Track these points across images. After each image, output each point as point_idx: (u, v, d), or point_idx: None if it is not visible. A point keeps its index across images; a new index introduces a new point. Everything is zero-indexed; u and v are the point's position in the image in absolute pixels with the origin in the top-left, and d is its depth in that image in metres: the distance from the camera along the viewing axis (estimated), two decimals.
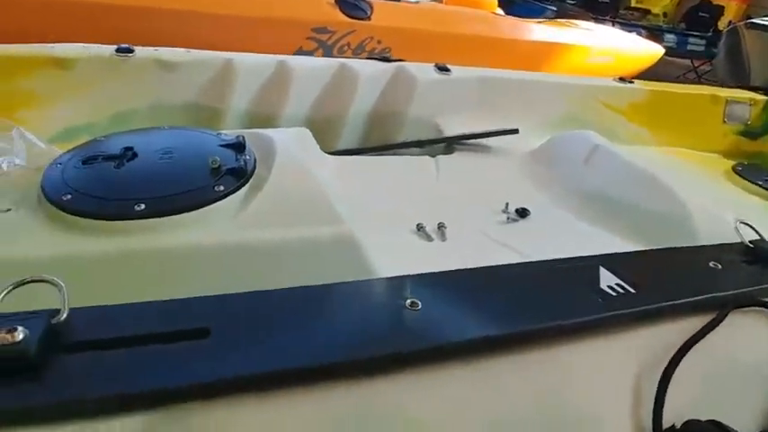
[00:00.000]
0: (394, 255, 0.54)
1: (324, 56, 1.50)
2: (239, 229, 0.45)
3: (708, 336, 0.39)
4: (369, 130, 0.89)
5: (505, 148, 0.87)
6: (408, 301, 0.37)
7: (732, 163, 1.06)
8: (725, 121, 1.17)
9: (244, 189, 0.49)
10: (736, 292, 0.43)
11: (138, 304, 0.30)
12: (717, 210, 0.68)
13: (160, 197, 0.45)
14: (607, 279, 0.41)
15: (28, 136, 0.53)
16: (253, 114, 0.80)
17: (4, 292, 0.25)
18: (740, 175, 0.99)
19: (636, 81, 1.13)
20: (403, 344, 0.34)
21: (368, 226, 0.56)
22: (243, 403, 0.29)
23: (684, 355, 0.38)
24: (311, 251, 0.46)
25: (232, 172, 0.50)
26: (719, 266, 0.46)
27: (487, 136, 0.86)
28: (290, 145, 0.57)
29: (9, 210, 0.45)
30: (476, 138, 0.85)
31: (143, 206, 0.43)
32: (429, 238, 0.61)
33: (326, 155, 0.72)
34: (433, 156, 0.82)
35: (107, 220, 0.42)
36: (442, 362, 0.34)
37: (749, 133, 1.19)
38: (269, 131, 0.63)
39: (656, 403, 0.37)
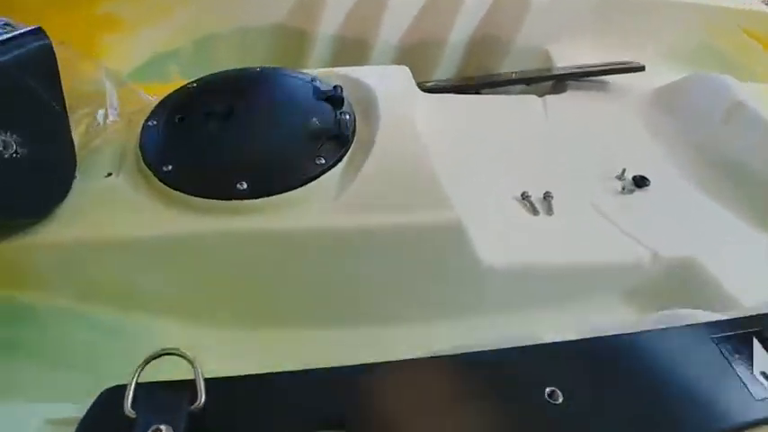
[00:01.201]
0: (498, 234, 0.50)
1: None
2: (341, 211, 0.42)
3: None
4: (469, 57, 0.79)
5: (627, 87, 0.75)
6: (547, 390, 0.29)
7: None
8: None
9: (344, 159, 0.45)
10: None
11: (280, 377, 0.27)
12: None
13: (260, 174, 0.42)
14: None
15: (117, 78, 0.51)
16: (344, 37, 0.72)
17: (138, 370, 0.24)
18: None
19: None
20: None
21: (469, 190, 0.52)
22: None
23: None
24: (416, 238, 0.43)
25: (333, 137, 0.46)
26: None
27: (607, 74, 0.74)
28: (391, 99, 0.51)
29: (110, 174, 0.44)
30: (592, 76, 0.74)
31: (245, 185, 0.41)
32: (534, 211, 0.55)
33: (424, 95, 0.65)
34: (541, 95, 0.73)
35: (209, 198, 0.41)
36: None
37: None
38: (367, 73, 0.56)
39: None
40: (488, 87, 0.72)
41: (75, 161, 0.42)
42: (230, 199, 0.40)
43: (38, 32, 0.41)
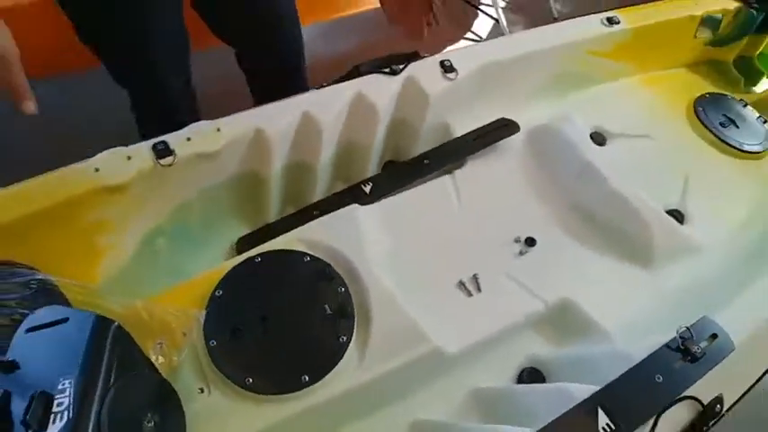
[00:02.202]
0: (455, 324, 0.77)
1: None
2: (365, 371, 0.67)
3: None
4: (389, 146, 0.99)
5: (511, 144, 1.01)
6: None
7: (696, 93, 1.20)
8: (695, 36, 1.26)
9: (354, 333, 0.69)
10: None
11: None
12: (669, 220, 0.90)
13: (314, 366, 0.65)
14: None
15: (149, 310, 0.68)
16: (290, 166, 0.89)
17: None
18: (698, 117, 1.15)
19: (622, 16, 1.17)
20: None
21: (419, 294, 0.77)
22: None
23: None
24: (413, 368, 0.69)
25: (341, 314, 0.69)
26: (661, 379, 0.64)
27: (489, 144, 0.98)
28: (365, 261, 0.73)
29: (202, 390, 0.64)
30: (480, 148, 0.97)
31: (307, 378, 0.64)
32: (469, 293, 0.82)
33: (364, 210, 0.85)
34: (450, 172, 0.96)
35: (285, 393, 0.64)
36: None
37: (716, 42, 1.29)
38: (328, 228, 0.77)
39: None
40: (409, 183, 0.94)
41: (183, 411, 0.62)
42: (300, 390, 0.64)
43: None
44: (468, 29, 2.35)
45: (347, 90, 0.89)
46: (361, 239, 0.77)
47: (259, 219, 0.91)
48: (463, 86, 0.98)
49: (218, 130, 0.81)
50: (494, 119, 1.02)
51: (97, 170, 0.75)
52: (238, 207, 0.90)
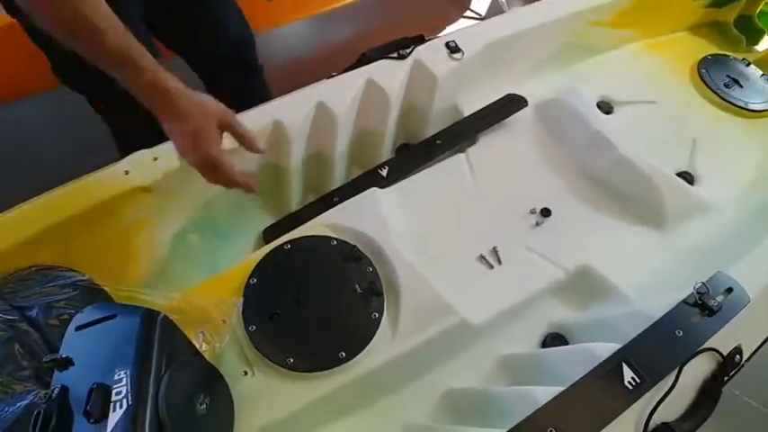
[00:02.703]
0: (479, 296, 0.80)
1: None
2: (398, 344, 0.70)
3: None
4: (401, 131, 1.01)
5: (520, 118, 1.03)
6: None
7: (699, 56, 1.21)
8: None
9: (385, 307, 0.72)
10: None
11: None
12: (679, 182, 0.92)
13: (350, 342, 0.68)
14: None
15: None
16: (310, 157, 0.92)
17: None
18: (702, 79, 1.17)
19: None
20: None
21: (444, 266, 0.81)
22: None
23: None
24: (442, 339, 0.73)
25: (372, 291, 0.72)
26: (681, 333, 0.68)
27: (498, 120, 1.00)
28: (387, 240, 0.76)
29: (246, 372, 0.68)
30: (490, 125, 1.00)
31: (344, 354, 0.68)
32: (490, 266, 0.85)
33: (383, 193, 0.88)
34: (463, 150, 0.99)
35: (324, 369, 0.67)
36: None
37: (715, 3, 1.30)
38: (350, 212, 0.80)
39: None
40: (424, 164, 0.96)
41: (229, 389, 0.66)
42: (338, 366, 0.68)
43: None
44: (467, 7, 2.35)
45: (358, 78, 0.92)
46: (383, 220, 0.80)
47: (282, 208, 0.94)
48: (470, 66, 1.00)
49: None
50: (502, 95, 1.04)
51: (127, 173, 0.78)
52: (262, 199, 0.93)
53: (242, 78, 1.20)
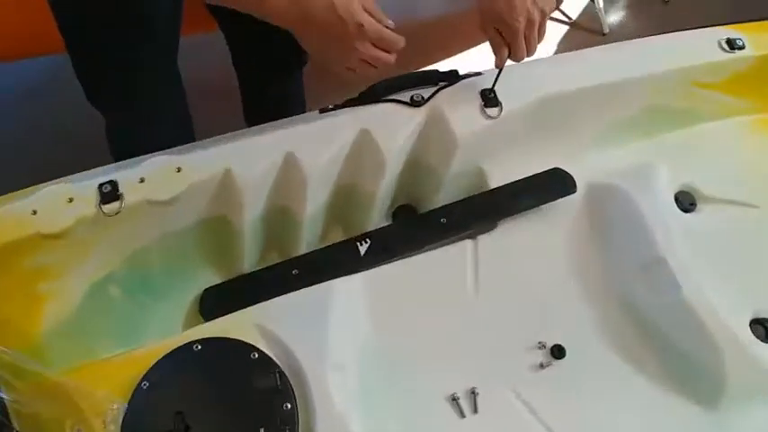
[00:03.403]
0: None
1: None
2: None
3: None
4: (403, 191, 0.79)
5: (560, 206, 0.78)
6: None
7: None
8: None
9: None
10: None
11: None
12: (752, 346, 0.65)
13: None
14: None
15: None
16: (273, 211, 0.72)
17: None
18: None
19: (746, 37, 0.87)
20: None
21: (395, 408, 0.61)
22: None
23: None
24: None
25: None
26: None
27: (531, 206, 0.76)
28: (326, 373, 0.57)
29: None
30: (518, 210, 0.76)
31: None
32: (461, 414, 0.64)
33: (355, 286, 0.69)
34: (474, 236, 0.76)
35: None
36: None
37: None
38: (298, 326, 0.61)
39: None
40: (424, 241, 0.74)
41: None
42: None
43: None
44: (557, 6, 2.00)
45: (348, 126, 0.70)
46: (329, 337, 0.60)
47: (232, 268, 0.76)
48: (508, 125, 0.76)
49: (179, 170, 0.66)
50: (544, 168, 0.79)
51: (35, 212, 0.63)
52: (209, 253, 0.75)
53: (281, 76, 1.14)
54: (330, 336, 0.61)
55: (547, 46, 1.82)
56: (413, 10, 1.97)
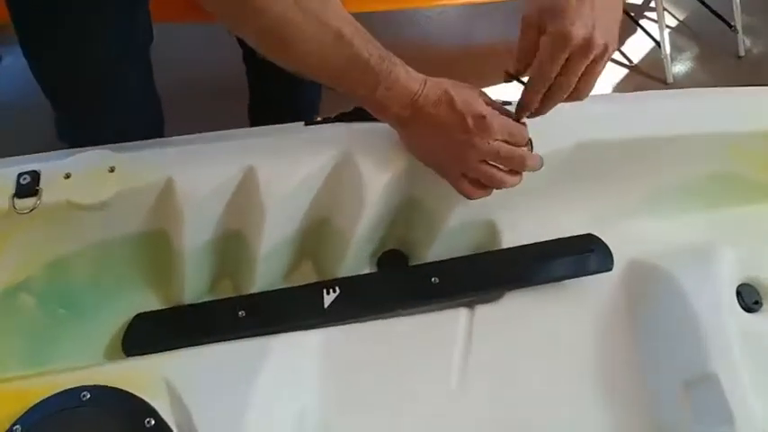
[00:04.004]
0: None
1: None
2: None
3: None
4: (392, 234, 0.64)
5: (589, 283, 0.61)
6: None
7: None
8: None
9: None
10: None
11: None
12: None
13: None
14: None
15: None
16: (222, 234, 0.58)
17: None
18: None
19: None
20: None
21: None
22: None
23: None
24: None
25: None
26: None
27: (550, 279, 0.59)
28: None
29: None
30: (535, 281, 0.59)
31: None
32: None
33: (306, 349, 0.54)
34: (472, 305, 0.60)
35: None
36: None
37: None
38: (214, 396, 0.46)
39: None
40: (407, 303, 0.59)
41: None
42: None
43: None
44: (617, 47, 1.83)
45: (330, 146, 0.56)
46: (254, 411, 0.46)
47: (173, 293, 0.63)
48: (533, 172, 0.60)
49: (112, 170, 0.53)
50: (573, 231, 0.63)
51: None
52: (147, 273, 0.62)
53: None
54: (255, 409, 0.46)
55: (602, 87, 1.68)
56: (469, 35, 1.88)
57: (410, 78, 0.50)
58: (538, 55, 0.49)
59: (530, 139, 0.56)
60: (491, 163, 0.52)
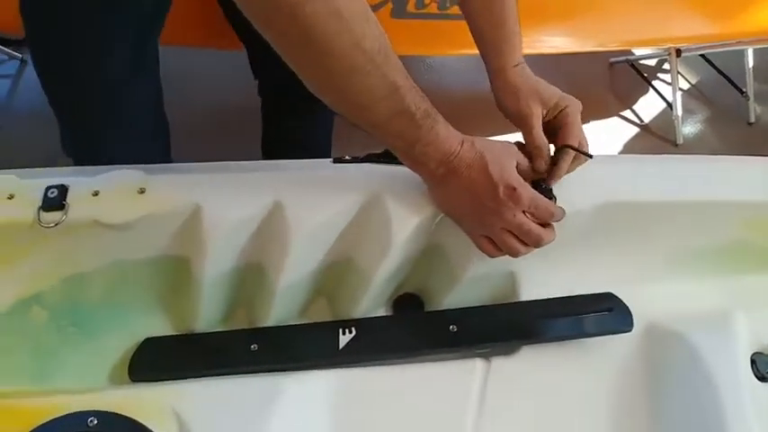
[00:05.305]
0: None
1: None
2: None
3: None
4: (409, 279, 0.64)
5: (607, 343, 0.60)
6: None
7: None
8: None
9: None
10: None
11: None
12: None
13: None
14: None
15: None
16: (243, 265, 0.58)
17: None
18: None
19: None
20: None
21: None
22: None
23: None
24: None
25: None
26: None
27: (568, 336, 0.59)
28: None
29: None
30: (554, 337, 0.59)
31: None
32: None
33: (318, 389, 0.53)
34: (488, 356, 0.59)
35: None
36: None
37: None
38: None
39: None
40: (422, 349, 0.58)
41: None
42: None
43: None
44: (629, 106, 1.87)
45: (358, 186, 0.56)
46: None
47: (186, 320, 0.62)
48: (557, 228, 0.61)
49: (142, 191, 0.53)
50: (593, 290, 0.63)
51: None
52: (163, 297, 0.61)
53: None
54: None
55: (612, 145, 1.70)
56: (480, 81, 1.89)
57: (449, 137, 0.50)
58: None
59: (553, 194, 0.57)
60: (512, 231, 0.52)
